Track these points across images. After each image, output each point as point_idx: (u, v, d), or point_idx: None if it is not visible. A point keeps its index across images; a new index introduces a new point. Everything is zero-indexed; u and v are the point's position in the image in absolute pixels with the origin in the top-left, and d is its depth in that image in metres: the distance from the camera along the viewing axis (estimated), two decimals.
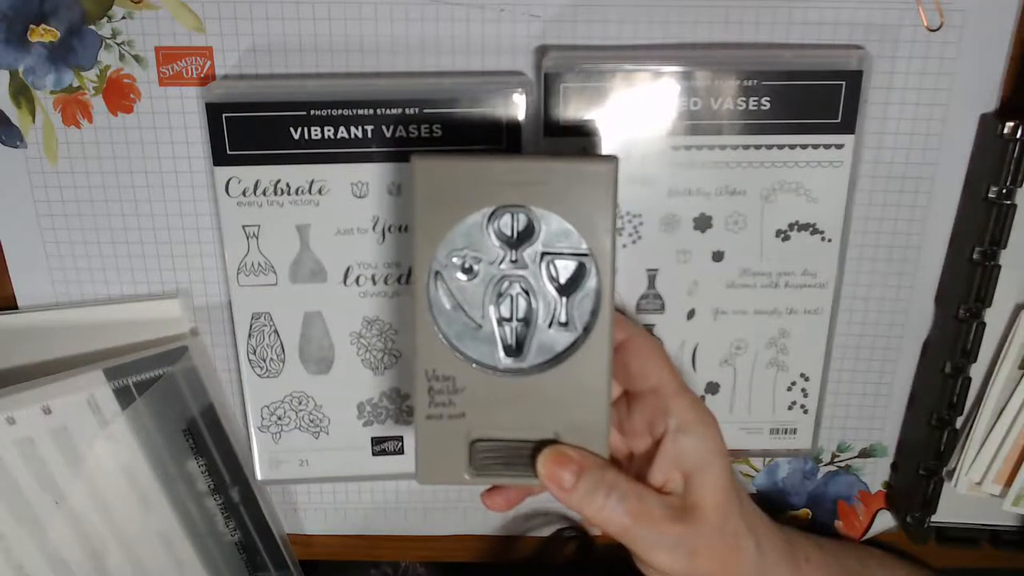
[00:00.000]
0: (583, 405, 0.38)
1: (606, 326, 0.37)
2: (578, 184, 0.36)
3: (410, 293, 0.48)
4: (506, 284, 0.38)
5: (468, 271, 0.38)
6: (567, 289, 0.38)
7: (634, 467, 0.42)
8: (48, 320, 0.49)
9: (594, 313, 0.38)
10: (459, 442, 0.38)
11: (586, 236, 0.37)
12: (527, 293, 0.38)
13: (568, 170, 0.36)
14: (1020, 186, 0.44)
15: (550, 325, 0.38)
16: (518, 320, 0.38)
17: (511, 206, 0.37)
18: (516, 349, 0.38)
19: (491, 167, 0.37)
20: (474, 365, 0.38)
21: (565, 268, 0.38)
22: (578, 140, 0.45)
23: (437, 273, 0.38)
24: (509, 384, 0.38)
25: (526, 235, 0.37)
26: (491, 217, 0.37)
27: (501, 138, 0.45)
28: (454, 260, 0.37)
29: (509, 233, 0.37)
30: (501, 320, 0.38)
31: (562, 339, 0.38)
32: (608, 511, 0.38)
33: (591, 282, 0.37)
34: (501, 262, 0.38)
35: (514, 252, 0.37)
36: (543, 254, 0.37)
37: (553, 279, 0.38)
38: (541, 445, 0.38)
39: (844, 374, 0.51)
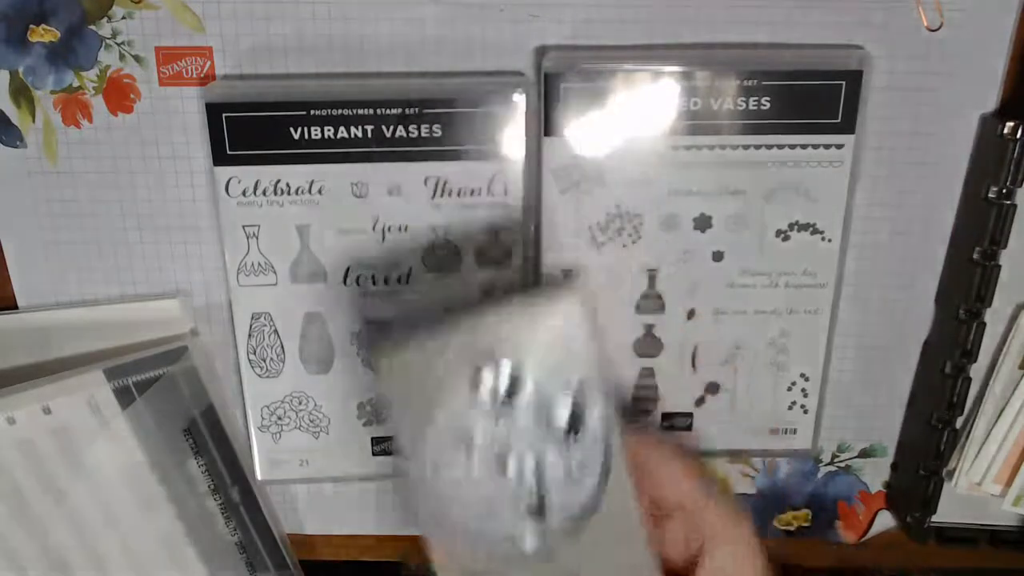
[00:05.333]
0: (623, 555, 0.36)
1: (620, 460, 0.35)
2: (545, 329, 0.34)
3: (410, 293, 0.48)
4: (507, 447, 0.35)
5: (465, 449, 0.35)
6: (569, 430, 0.35)
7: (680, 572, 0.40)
8: (48, 320, 0.49)
9: (605, 451, 0.35)
10: None
11: (574, 371, 0.34)
12: (531, 448, 0.35)
13: (531, 319, 0.34)
14: (1020, 186, 0.44)
15: (565, 475, 0.35)
16: (532, 477, 0.35)
17: (488, 364, 0.34)
18: (538, 511, 0.35)
19: (451, 343, 0.34)
20: (500, 549, 0.35)
21: (561, 409, 0.35)
22: (577, 142, 0.45)
23: (434, 463, 0.34)
24: (542, 561, 0.35)
25: (514, 387, 0.34)
26: (473, 381, 0.34)
27: (501, 138, 0.45)
28: (448, 445, 0.34)
29: (495, 389, 0.34)
30: (513, 486, 0.35)
31: (582, 488, 0.35)
32: None
33: (594, 414, 0.35)
34: (496, 423, 0.34)
35: (506, 407, 0.34)
36: (535, 401, 0.34)
37: (553, 424, 0.35)
38: None
39: (844, 374, 0.51)
